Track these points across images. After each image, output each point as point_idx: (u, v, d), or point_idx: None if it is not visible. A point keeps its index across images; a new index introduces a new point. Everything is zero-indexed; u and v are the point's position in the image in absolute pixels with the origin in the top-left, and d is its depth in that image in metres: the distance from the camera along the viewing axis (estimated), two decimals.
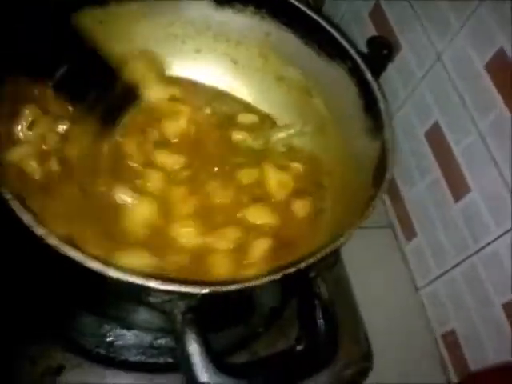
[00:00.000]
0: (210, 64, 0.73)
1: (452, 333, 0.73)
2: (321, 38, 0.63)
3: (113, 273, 0.41)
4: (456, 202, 0.71)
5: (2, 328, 0.57)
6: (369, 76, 0.58)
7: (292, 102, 0.71)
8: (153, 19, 0.68)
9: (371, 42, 0.76)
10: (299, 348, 0.45)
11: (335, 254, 0.48)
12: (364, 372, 0.67)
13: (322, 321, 0.45)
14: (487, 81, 0.64)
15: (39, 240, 0.42)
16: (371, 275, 0.78)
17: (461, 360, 0.72)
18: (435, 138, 0.74)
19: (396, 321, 0.76)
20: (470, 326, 0.70)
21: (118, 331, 0.60)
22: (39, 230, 0.42)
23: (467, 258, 0.70)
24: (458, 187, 0.71)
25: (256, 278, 0.43)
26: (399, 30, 0.79)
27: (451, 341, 0.74)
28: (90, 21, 0.63)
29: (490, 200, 0.66)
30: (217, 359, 0.43)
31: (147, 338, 0.60)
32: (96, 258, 0.42)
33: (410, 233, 0.81)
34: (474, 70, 0.66)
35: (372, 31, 0.85)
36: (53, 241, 0.42)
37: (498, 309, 0.65)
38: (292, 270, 0.44)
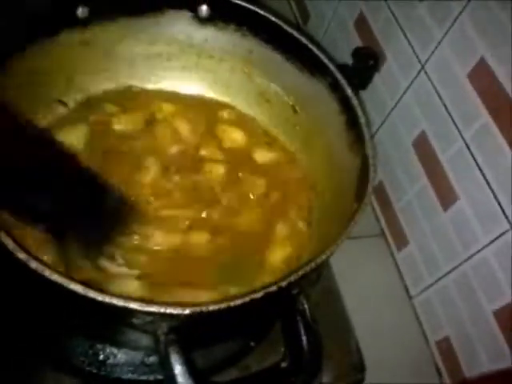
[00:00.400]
0: (195, 80, 0.74)
1: (446, 340, 0.74)
2: (302, 55, 0.64)
3: (93, 294, 0.41)
4: (445, 211, 0.71)
5: None
6: (349, 92, 0.59)
7: (276, 117, 0.72)
8: (135, 38, 0.69)
9: (356, 53, 0.77)
10: (284, 365, 0.46)
11: (318, 271, 0.48)
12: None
13: (305, 338, 0.45)
14: (470, 90, 0.65)
15: (22, 264, 0.43)
16: (364, 284, 0.78)
17: (455, 366, 0.72)
18: (422, 147, 0.75)
19: (390, 329, 0.76)
20: (464, 332, 0.70)
21: (109, 350, 0.60)
22: (21, 255, 0.43)
23: (458, 265, 0.70)
24: (446, 196, 0.71)
25: (237, 297, 0.43)
26: (384, 41, 0.79)
27: (445, 348, 0.74)
28: (71, 43, 0.64)
29: (477, 208, 0.66)
30: (201, 379, 0.43)
31: (138, 355, 0.60)
32: (78, 282, 0.42)
33: (402, 241, 0.81)
34: (457, 79, 0.66)
35: (357, 42, 0.85)
36: (34, 265, 0.42)
37: (490, 315, 0.66)
38: (273, 288, 0.44)
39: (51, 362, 0.59)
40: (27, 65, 0.59)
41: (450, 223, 0.71)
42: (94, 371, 0.59)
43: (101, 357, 0.60)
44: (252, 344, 0.63)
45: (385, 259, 0.83)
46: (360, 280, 0.78)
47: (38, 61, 0.60)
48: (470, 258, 0.68)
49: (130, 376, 0.59)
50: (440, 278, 0.73)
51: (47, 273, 0.42)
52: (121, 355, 0.60)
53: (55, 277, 0.42)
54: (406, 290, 0.80)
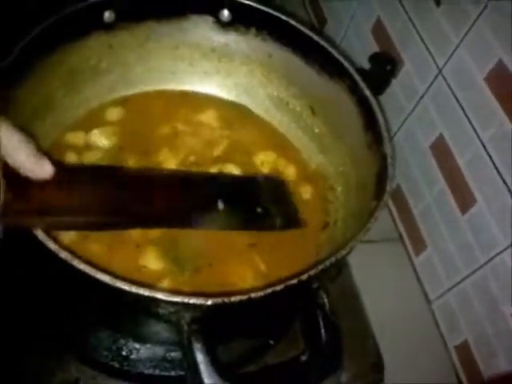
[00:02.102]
0: (216, 84, 0.76)
1: (465, 344, 0.73)
2: (321, 58, 0.66)
3: (120, 284, 0.43)
4: (463, 214, 0.72)
5: (18, 342, 0.60)
6: (368, 93, 0.60)
7: (295, 120, 0.73)
8: (159, 42, 0.71)
9: (374, 58, 0.78)
10: (303, 358, 0.46)
11: (337, 266, 0.49)
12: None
13: (324, 330, 0.46)
14: (488, 93, 0.65)
15: (49, 253, 0.44)
16: (382, 289, 0.78)
17: (474, 371, 0.71)
18: (440, 150, 0.75)
19: (409, 333, 0.76)
20: (483, 337, 0.70)
21: (132, 345, 0.61)
22: (50, 244, 0.44)
23: (477, 269, 0.70)
24: (464, 199, 0.71)
25: (259, 289, 0.44)
26: (401, 46, 0.80)
27: (464, 352, 0.73)
28: (99, 46, 0.67)
29: (496, 211, 0.66)
30: (223, 369, 0.44)
31: (160, 351, 0.61)
32: (105, 271, 0.43)
33: (420, 245, 0.81)
34: (474, 82, 0.67)
35: (374, 47, 0.86)
36: (62, 254, 0.44)
37: (509, 319, 0.65)
38: (294, 281, 0.45)
39: (76, 355, 0.60)
40: (57, 65, 0.62)
41: (469, 227, 0.71)
42: (117, 366, 0.60)
43: (124, 352, 0.61)
44: (271, 342, 0.64)
45: (403, 263, 0.83)
46: (378, 284, 0.78)
47: (67, 62, 0.62)
48: (489, 261, 0.68)
49: (151, 371, 0.60)
50: (459, 282, 0.73)
51: (75, 262, 0.43)
52: (143, 350, 0.61)
53: (83, 266, 0.43)
54: (425, 295, 0.80)
